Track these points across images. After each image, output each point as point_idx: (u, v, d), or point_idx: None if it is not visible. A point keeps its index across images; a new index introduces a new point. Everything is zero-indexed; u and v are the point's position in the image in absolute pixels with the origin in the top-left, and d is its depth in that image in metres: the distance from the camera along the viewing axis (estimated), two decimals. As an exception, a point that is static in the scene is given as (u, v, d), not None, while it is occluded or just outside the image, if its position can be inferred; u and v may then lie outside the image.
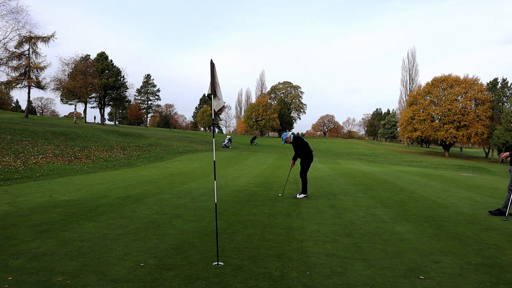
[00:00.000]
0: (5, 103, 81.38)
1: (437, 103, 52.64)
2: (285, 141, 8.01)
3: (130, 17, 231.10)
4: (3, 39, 29.71)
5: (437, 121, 52.43)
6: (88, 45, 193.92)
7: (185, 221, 5.42)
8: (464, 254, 4.16)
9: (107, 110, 69.09)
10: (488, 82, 53.31)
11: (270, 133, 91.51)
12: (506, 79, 52.18)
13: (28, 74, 32.21)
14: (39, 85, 33.57)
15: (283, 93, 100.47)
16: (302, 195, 7.79)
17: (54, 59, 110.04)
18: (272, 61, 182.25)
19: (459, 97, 51.11)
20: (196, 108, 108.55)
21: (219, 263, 3.64)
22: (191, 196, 7.60)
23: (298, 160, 8.19)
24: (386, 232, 5.10)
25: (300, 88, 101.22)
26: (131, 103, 75.36)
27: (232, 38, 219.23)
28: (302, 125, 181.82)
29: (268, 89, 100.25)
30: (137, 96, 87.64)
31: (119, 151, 19.78)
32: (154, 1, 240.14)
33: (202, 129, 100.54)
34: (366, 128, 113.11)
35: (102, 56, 58.06)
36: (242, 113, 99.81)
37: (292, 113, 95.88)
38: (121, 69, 58.78)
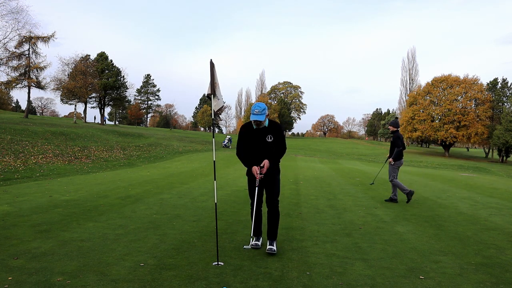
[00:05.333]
0: (5, 103, 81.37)
1: (437, 103, 52.64)
2: (261, 114, 4.04)
3: (130, 17, 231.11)
4: (3, 39, 29.71)
5: (437, 121, 52.43)
6: (88, 45, 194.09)
7: (185, 221, 5.42)
8: (464, 254, 4.16)
9: (107, 110, 69.10)
10: (488, 82, 53.37)
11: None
12: (506, 79, 52.26)
13: (28, 74, 32.19)
14: (39, 85, 33.55)
15: (283, 93, 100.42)
16: (274, 246, 4.06)
17: (54, 59, 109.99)
18: (272, 61, 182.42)
19: (459, 97, 51.11)
20: (196, 108, 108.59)
21: (219, 263, 3.64)
22: (191, 196, 7.60)
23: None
24: (386, 232, 5.10)
25: (300, 88, 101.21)
26: (131, 103, 75.36)
27: (232, 38, 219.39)
28: (302, 125, 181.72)
29: (268, 89, 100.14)
30: (137, 96, 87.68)
31: (119, 151, 19.78)
32: (154, 1, 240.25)
33: (202, 129, 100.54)
34: (366, 128, 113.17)
35: (102, 56, 58.06)
36: (242, 113, 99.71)
37: (292, 113, 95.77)
38: (121, 69, 58.82)
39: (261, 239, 4.31)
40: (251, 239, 4.28)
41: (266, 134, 4.19)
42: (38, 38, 31.96)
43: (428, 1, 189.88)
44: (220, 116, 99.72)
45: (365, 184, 10.60)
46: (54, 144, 17.50)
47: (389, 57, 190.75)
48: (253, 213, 4.16)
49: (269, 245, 4.10)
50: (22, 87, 32.29)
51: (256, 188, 4.05)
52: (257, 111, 4.05)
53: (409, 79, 75.01)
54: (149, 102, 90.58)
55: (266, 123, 4.21)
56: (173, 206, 6.53)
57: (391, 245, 4.44)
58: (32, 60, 32.24)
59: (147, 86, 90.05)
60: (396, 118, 7.50)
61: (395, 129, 7.61)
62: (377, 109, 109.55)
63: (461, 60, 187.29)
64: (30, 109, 56.60)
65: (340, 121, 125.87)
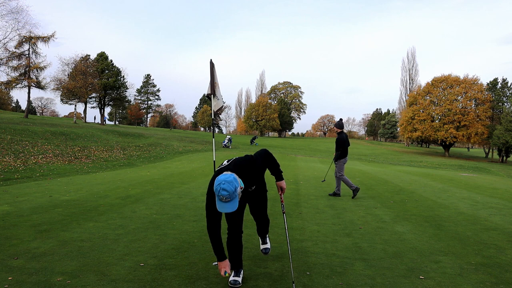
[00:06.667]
0: (5, 103, 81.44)
1: (437, 103, 52.65)
2: (232, 199, 2.79)
3: (130, 17, 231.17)
4: (3, 39, 29.71)
5: (437, 121, 52.44)
6: (88, 45, 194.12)
7: (185, 221, 5.42)
8: (464, 254, 4.16)
9: (107, 110, 69.17)
10: (488, 82, 53.33)
11: (270, 133, 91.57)
12: (506, 79, 52.21)
13: (28, 74, 32.19)
14: (39, 85, 33.55)
15: (283, 93, 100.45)
16: (268, 243, 3.88)
17: (54, 59, 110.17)
18: (272, 61, 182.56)
19: (459, 97, 51.13)
20: (196, 108, 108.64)
21: (219, 263, 3.64)
22: (191, 196, 7.60)
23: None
24: (386, 232, 5.10)
25: (300, 88, 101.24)
26: (131, 103, 75.40)
27: (232, 38, 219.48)
28: (302, 125, 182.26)
29: (268, 89, 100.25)
30: (137, 96, 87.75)
31: (119, 151, 19.78)
32: (155, 1, 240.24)
33: (202, 129, 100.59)
34: (366, 128, 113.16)
35: (102, 56, 58.08)
36: (242, 113, 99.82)
37: (292, 113, 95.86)
38: (121, 69, 58.86)
39: (242, 272, 3.26)
40: (230, 273, 3.21)
41: (246, 188, 3.17)
42: (38, 38, 31.96)
43: (428, 1, 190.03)
44: (220, 116, 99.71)
45: (365, 184, 10.61)
46: (54, 144, 17.50)
47: (389, 57, 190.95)
48: (230, 241, 3.23)
49: (262, 244, 3.84)
50: (22, 87, 32.30)
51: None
52: (224, 198, 2.71)
53: (409, 79, 75.11)
54: (149, 102, 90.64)
55: (241, 182, 2.95)
56: (173, 206, 6.52)
57: (391, 245, 4.44)
58: (32, 60, 32.25)
59: (147, 86, 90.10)
60: (341, 119, 8.28)
61: (339, 130, 8.15)
62: (377, 109, 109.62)
63: (461, 60, 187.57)
64: (30, 109, 56.64)
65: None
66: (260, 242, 3.88)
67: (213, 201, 2.94)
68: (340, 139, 8.06)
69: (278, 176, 3.41)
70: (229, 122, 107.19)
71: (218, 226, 3.05)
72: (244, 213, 3.36)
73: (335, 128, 8.22)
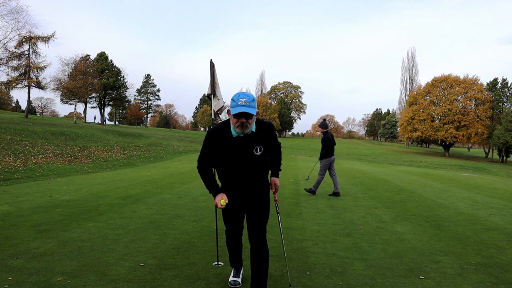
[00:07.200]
0: (5, 103, 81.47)
1: (437, 103, 52.66)
2: (251, 105, 2.62)
3: (130, 17, 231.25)
4: (3, 39, 29.75)
5: (437, 121, 52.45)
6: (88, 45, 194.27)
7: (185, 221, 5.42)
8: (464, 254, 4.16)
9: (107, 110, 69.19)
10: (488, 82, 53.35)
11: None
12: (506, 79, 52.25)
13: (28, 74, 32.21)
14: (39, 85, 33.58)
15: (283, 93, 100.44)
16: None
17: (54, 59, 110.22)
18: (272, 61, 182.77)
19: (459, 97, 51.14)
20: (196, 108, 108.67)
21: (219, 263, 3.64)
22: (191, 196, 7.60)
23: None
24: (386, 232, 5.10)
25: (300, 88, 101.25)
26: (131, 103, 75.42)
27: (233, 38, 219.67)
28: (302, 125, 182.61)
29: (268, 89, 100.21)
30: (137, 96, 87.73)
31: (119, 151, 19.78)
32: (155, 1, 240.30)
33: (202, 129, 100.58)
34: (366, 128, 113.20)
35: (102, 56, 58.10)
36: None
37: (292, 113, 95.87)
38: (121, 69, 58.92)
39: (242, 271, 3.24)
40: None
41: (253, 144, 2.71)
42: (38, 38, 31.99)
43: (428, 1, 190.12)
44: (220, 116, 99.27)
45: (365, 184, 10.61)
46: (54, 144, 17.51)
47: (389, 57, 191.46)
48: (229, 242, 3.12)
49: None
50: (22, 87, 32.33)
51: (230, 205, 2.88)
52: (244, 100, 2.55)
53: (409, 79, 75.10)
54: (149, 102, 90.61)
55: (253, 127, 2.69)
56: (173, 206, 6.52)
57: (391, 245, 4.44)
58: (32, 60, 32.27)
59: (147, 86, 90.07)
60: (324, 120, 8.77)
61: (324, 130, 8.33)
62: (377, 109, 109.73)
63: (461, 60, 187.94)
64: (30, 109, 56.62)
65: (340, 121, 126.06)
66: None
67: (212, 140, 2.74)
68: (326, 138, 8.22)
69: (276, 171, 3.14)
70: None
71: (210, 164, 2.83)
72: (243, 217, 3.07)
73: (320, 128, 8.40)
